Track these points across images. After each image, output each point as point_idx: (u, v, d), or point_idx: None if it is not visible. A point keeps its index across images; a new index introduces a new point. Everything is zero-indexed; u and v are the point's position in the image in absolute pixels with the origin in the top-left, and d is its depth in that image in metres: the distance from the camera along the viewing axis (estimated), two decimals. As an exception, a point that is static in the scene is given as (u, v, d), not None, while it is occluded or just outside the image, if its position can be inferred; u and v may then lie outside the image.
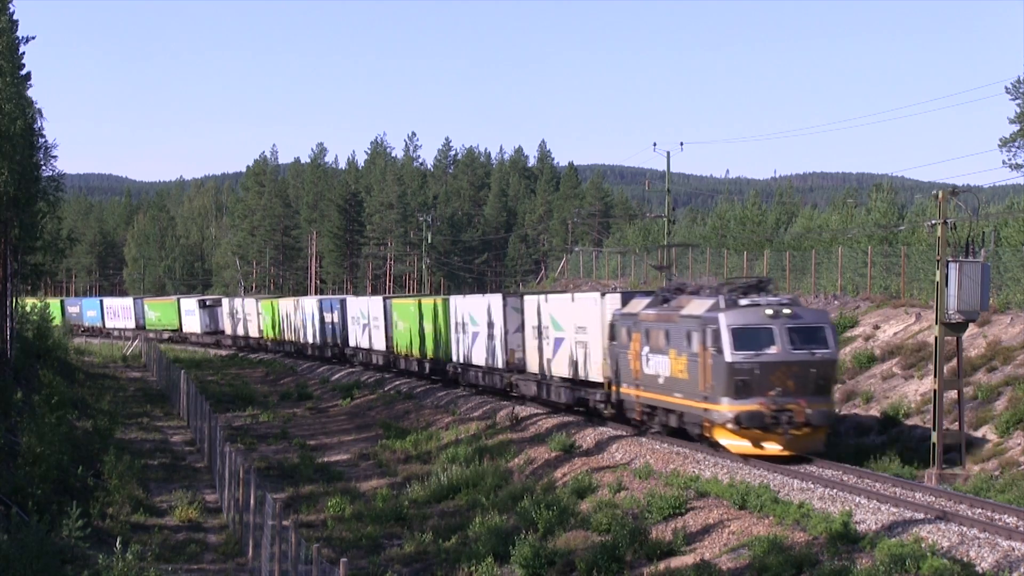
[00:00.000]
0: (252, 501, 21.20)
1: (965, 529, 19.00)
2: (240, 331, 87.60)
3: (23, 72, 39.11)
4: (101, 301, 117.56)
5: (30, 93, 40.11)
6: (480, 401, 42.74)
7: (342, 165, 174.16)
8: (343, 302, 64.96)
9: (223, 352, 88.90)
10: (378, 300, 58.52)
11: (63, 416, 33.04)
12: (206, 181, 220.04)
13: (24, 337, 49.81)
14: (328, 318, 66.89)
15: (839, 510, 20.78)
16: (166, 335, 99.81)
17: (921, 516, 20.06)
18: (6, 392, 33.30)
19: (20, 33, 38.84)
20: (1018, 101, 63.94)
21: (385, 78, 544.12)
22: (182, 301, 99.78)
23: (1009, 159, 63.59)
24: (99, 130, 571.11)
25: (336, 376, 61.23)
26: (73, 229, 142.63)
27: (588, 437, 32.37)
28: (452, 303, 47.03)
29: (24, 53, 39.04)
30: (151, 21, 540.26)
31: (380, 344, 57.29)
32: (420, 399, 47.13)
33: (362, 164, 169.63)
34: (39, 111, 42.64)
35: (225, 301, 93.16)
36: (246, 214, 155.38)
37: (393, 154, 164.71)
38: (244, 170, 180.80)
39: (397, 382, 53.41)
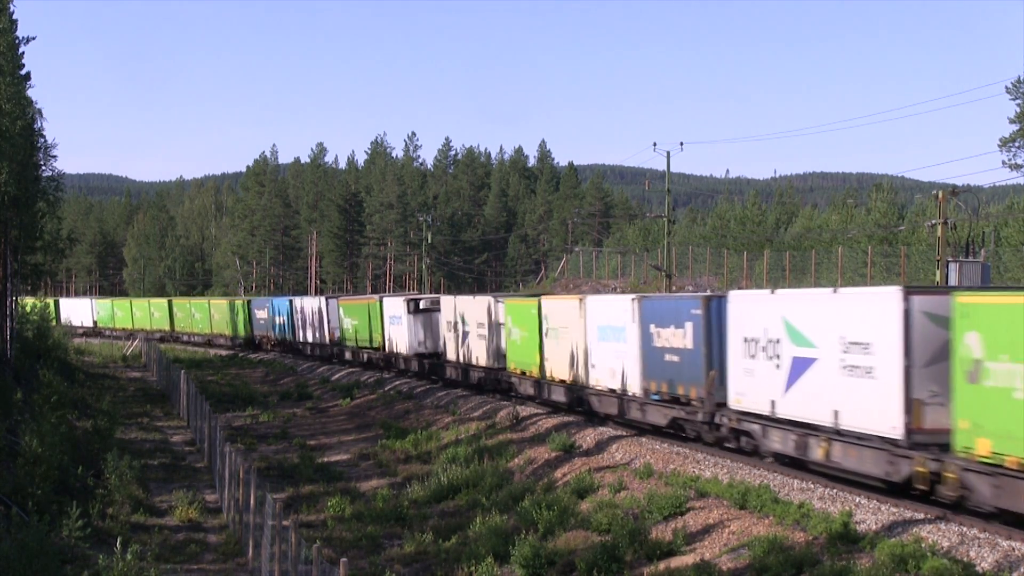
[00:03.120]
0: (252, 501, 21.19)
1: (965, 529, 18.98)
2: (473, 356, 45.42)
3: (23, 72, 39.17)
4: (291, 302, 77.20)
5: (30, 93, 40.23)
6: (480, 401, 42.72)
7: (342, 165, 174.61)
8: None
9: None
10: (763, 298, 26.76)
11: (63, 416, 32.99)
12: (206, 181, 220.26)
13: (24, 337, 49.84)
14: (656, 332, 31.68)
15: (839, 510, 20.78)
16: (365, 356, 61.35)
17: (921, 516, 20.04)
18: (6, 392, 33.28)
19: (20, 33, 38.98)
20: (1018, 101, 64.07)
21: (385, 78, 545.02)
22: (385, 303, 57.72)
23: (1009, 159, 63.84)
24: (99, 130, 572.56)
25: (336, 376, 61.19)
26: (73, 229, 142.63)
27: (588, 437, 32.35)
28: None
29: (24, 53, 39.14)
30: (151, 21, 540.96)
31: (767, 402, 25.50)
32: (420, 399, 47.09)
33: (362, 164, 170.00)
34: (39, 111, 42.75)
35: (445, 301, 50.63)
36: (246, 214, 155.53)
37: (393, 154, 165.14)
38: (244, 170, 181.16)
39: (397, 382, 53.36)
